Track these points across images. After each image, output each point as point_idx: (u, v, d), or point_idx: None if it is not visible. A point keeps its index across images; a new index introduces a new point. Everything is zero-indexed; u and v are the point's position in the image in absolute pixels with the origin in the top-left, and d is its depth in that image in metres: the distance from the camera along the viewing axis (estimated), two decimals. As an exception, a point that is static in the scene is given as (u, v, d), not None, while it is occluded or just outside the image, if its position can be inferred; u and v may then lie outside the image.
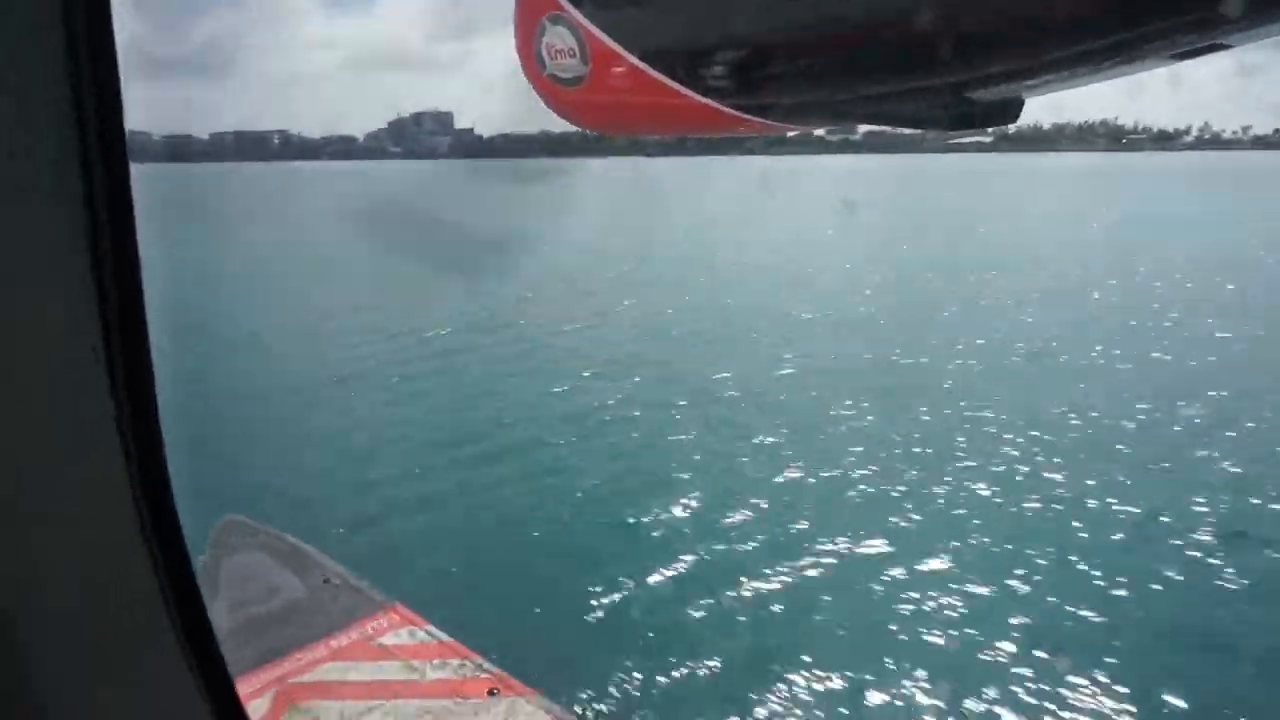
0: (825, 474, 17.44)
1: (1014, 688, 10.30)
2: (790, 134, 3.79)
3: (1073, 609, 12.06)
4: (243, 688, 8.37)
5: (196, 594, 1.51)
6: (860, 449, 18.70)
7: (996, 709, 9.99)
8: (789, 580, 13.25)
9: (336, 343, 30.57)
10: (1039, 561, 13.52)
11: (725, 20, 3.26)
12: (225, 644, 1.60)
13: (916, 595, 12.56)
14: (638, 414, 21.76)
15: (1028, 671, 10.59)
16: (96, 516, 1.33)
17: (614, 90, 3.59)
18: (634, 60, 3.46)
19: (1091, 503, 15.69)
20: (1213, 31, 2.65)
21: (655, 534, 15.32)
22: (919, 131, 3.41)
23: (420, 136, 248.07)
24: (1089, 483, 16.42)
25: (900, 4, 2.81)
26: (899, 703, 10.17)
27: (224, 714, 1.55)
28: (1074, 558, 13.63)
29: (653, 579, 13.53)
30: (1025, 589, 12.78)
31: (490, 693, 7.78)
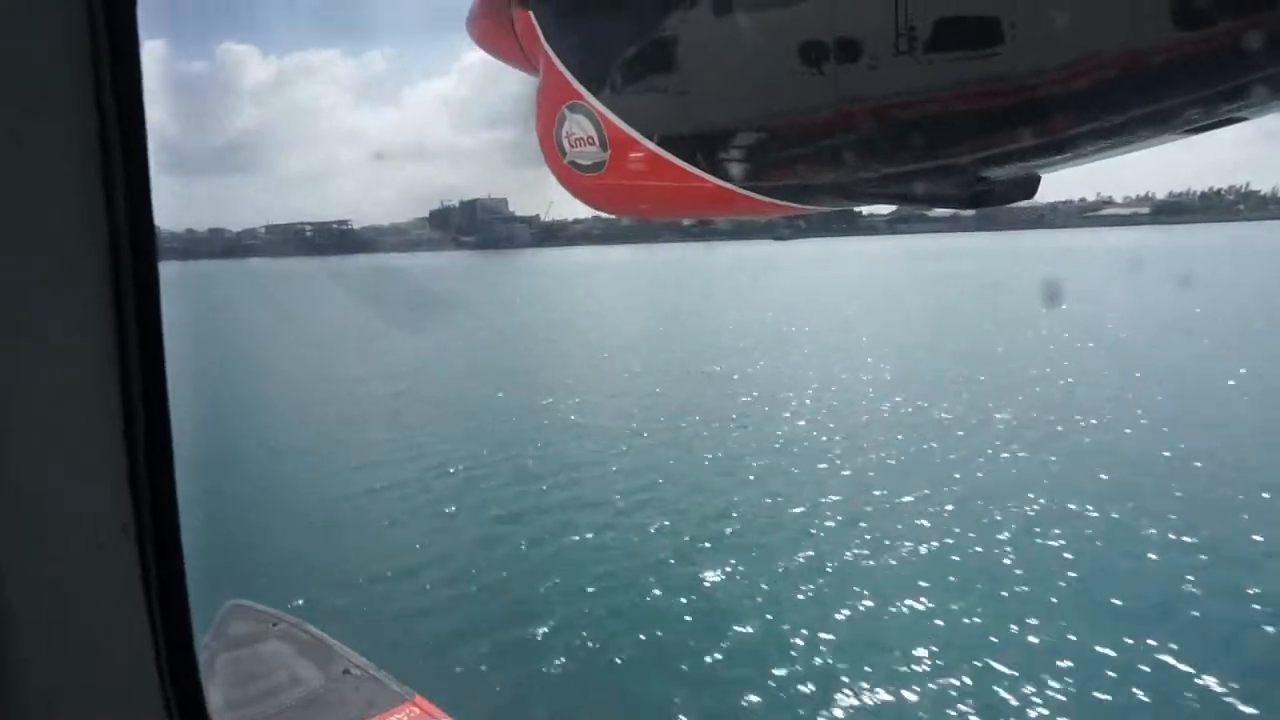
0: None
1: None
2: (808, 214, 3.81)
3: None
4: None
5: (195, 677, 1.48)
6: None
7: None
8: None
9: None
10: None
11: (739, 105, 3.31)
12: None
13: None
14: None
15: None
16: (106, 594, 1.31)
17: (633, 175, 3.64)
18: (652, 146, 3.52)
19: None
20: (1230, 107, 2.65)
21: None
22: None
23: (493, 224, 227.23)
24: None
25: (918, 83, 2.84)
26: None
27: None
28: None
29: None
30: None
31: None
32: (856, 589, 16.25)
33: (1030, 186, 3.35)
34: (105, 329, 1.24)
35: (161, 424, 1.33)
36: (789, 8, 3.02)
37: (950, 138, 2.92)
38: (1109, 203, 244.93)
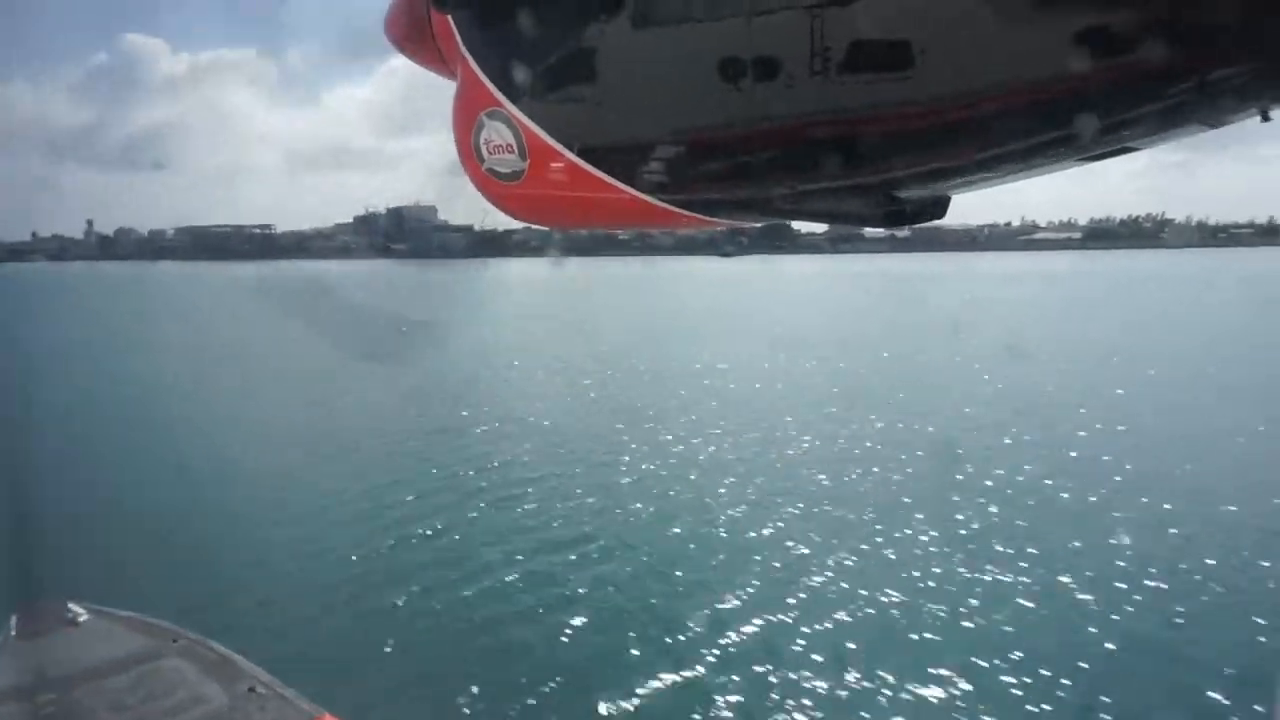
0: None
1: None
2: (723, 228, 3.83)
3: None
4: None
5: None
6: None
7: None
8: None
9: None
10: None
11: (658, 118, 3.31)
12: None
13: None
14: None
15: None
16: None
17: (552, 185, 3.61)
18: (571, 156, 3.49)
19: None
20: (1123, 135, 2.77)
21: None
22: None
23: (425, 232, 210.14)
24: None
25: (832, 103, 2.89)
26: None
27: None
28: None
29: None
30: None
31: None
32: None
33: (941, 207, 3.44)
34: None
35: None
36: (708, 25, 3.04)
37: (862, 158, 2.98)
38: (1037, 227, 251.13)
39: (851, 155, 3.00)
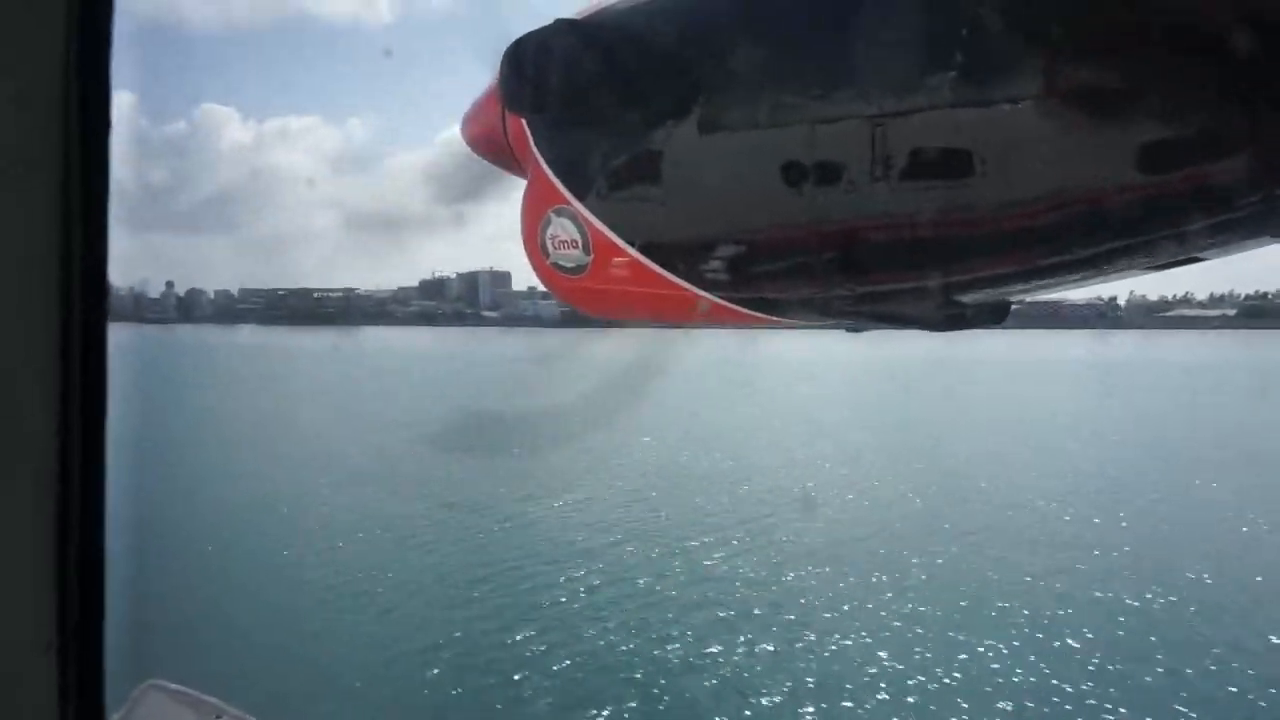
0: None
1: None
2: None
3: None
4: None
5: None
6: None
7: None
8: None
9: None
10: None
11: (719, 219, 3.41)
12: None
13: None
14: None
15: None
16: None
17: (614, 280, 3.71)
18: (633, 252, 3.59)
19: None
20: (1188, 247, 2.76)
21: None
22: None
23: (516, 300, 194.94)
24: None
25: (892, 209, 2.95)
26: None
27: None
28: None
29: None
30: None
31: None
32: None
33: (1001, 311, 3.45)
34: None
35: (98, 485, 1.27)
36: (772, 131, 3.14)
37: (921, 262, 3.01)
38: (1186, 301, 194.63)
39: (911, 260, 3.05)
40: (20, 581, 1.19)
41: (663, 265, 3.55)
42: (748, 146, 3.21)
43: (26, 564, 1.20)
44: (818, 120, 3.00)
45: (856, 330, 3.86)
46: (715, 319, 3.75)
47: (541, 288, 4.32)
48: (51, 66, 1.19)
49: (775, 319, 3.66)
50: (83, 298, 1.22)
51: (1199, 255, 2.85)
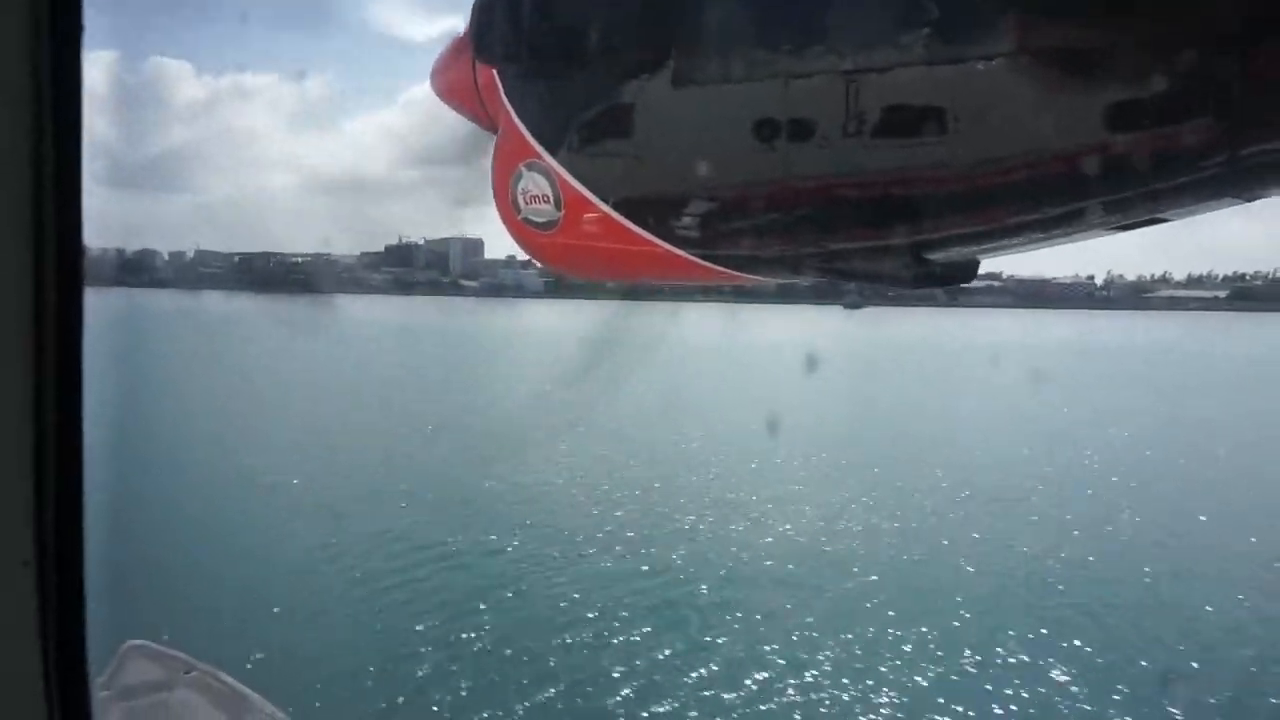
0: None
1: None
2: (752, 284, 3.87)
3: None
4: None
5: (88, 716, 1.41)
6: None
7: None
8: None
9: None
10: None
11: (692, 174, 3.39)
12: None
13: None
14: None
15: None
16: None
17: (585, 236, 3.68)
18: (605, 208, 3.56)
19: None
20: (1152, 206, 2.80)
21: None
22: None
23: (495, 269, 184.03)
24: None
25: (864, 165, 2.95)
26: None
27: None
28: None
29: None
30: None
31: None
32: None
33: (970, 269, 3.48)
34: (24, 353, 1.18)
35: (75, 459, 1.27)
36: (745, 86, 3.12)
37: (892, 219, 3.03)
38: (1167, 282, 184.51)
39: (882, 217, 3.06)
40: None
41: (634, 220, 3.53)
42: (721, 101, 3.19)
43: (4, 535, 1.21)
44: (791, 75, 2.98)
45: (855, 307, 3.87)
46: (684, 275, 3.74)
47: (522, 255, 4.26)
48: (21, 35, 1.16)
49: (747, 275, 3.67)
50: (56, 270, 1.20)
51: (1165, 215, 2.89)
